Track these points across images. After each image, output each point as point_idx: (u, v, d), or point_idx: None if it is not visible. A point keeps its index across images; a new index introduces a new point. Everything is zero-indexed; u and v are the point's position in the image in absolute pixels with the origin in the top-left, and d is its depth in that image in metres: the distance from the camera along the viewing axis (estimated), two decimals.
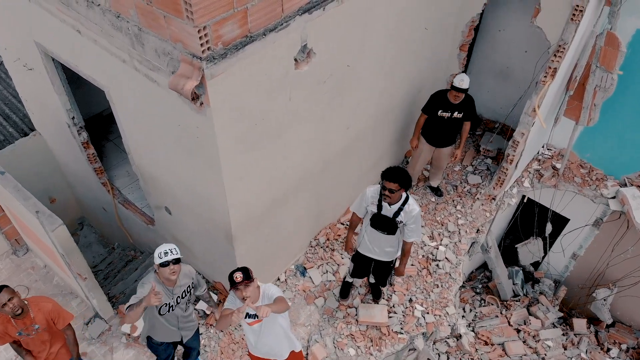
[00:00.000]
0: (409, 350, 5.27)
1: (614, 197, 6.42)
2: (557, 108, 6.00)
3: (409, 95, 5.73)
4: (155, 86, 3.59)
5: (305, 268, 5.62)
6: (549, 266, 7.92)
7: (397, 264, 4.74)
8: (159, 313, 3.88)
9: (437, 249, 5.85)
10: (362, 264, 4.85)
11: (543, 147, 6.91)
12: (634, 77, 5.78)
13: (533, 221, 7.26)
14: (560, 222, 7.26)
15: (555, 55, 5.03)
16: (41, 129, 6.26)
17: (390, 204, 4.19)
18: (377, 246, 4.55)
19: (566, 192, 6.84)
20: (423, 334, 5.26)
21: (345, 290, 5.36)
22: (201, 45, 2.95)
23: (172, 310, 3.89)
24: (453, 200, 6.38)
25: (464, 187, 6.53)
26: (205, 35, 2.95)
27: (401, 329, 5.19)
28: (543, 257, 7.81)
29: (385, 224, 4.31)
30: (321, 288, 5.49)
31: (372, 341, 5.11)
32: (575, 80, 5.56)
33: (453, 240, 5.97)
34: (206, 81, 3.12)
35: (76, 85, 5.47)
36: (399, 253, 4.60)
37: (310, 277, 5.56)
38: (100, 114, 7.12)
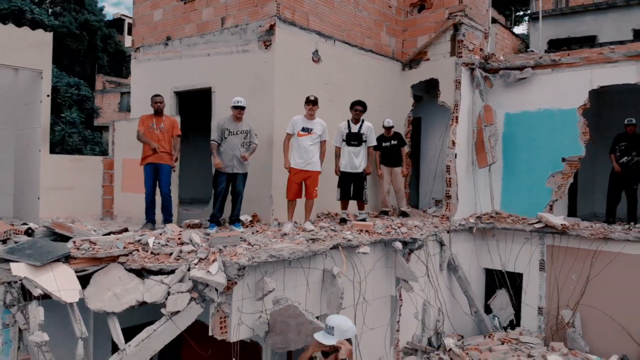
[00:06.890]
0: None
1: (539, 222, 8.91)
2: (471, 156, 9.40)
3: None
4: (246, 55, 7.56)
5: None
6: (524, 327, 9.05)
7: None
8: (225, 137, 6.49)
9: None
10: (345, 183, 7.47)
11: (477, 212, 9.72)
12: (513, 151, 9.47)
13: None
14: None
15: (453, 110, 9.02)
16: None
17: (355, 123, 7.42)
18: (353, 160, 7.41)
19: (512, 250, 9.23)
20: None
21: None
22: (277, 10, 7.22)
23: (233, 134, 6.51)
24: (419, 217, 8.86)
25: (426, 213, 9.16)
26: (278, 6, 7.25)
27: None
28: (515, 315, 9.11)
29: (355, 138, 7.42)
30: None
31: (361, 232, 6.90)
32: (474, 133, 9.28)
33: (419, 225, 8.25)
34: (276, 27, 7.20)
35: None
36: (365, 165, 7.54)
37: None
38: None
